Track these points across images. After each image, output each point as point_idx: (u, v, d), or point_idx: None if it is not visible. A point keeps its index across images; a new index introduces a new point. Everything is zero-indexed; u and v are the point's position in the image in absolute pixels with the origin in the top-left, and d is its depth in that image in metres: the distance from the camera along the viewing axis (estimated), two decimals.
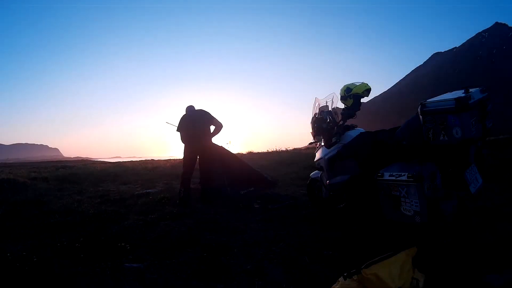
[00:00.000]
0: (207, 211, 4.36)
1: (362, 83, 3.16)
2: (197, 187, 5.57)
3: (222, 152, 5.73)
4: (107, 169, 11.83)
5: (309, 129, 3.76)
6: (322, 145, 3.58)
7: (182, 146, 5.35)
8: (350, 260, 2.33)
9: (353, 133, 3.14)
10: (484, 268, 2.09)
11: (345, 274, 1.83)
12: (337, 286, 1.83)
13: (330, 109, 3.49)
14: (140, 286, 2.25)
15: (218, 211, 4.36)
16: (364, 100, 3.25)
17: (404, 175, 2.12)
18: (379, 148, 2.70)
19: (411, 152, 2.34)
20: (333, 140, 3.29)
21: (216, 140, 5.53)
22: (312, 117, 3.64)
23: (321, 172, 3.70)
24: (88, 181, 8.55)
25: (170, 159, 17.67)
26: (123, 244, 2.99)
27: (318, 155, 3.72)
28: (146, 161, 16.79)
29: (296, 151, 14.14)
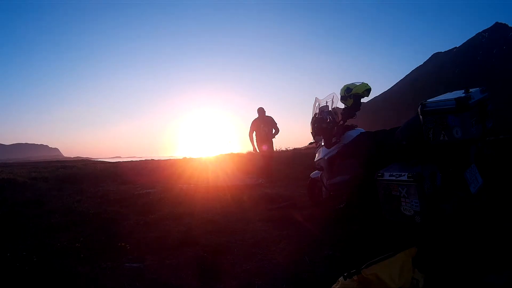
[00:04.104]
0: (207, 211, 4.36)
1: (362, 83, 3.16)
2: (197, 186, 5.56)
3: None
4: (107, 169, 11.84)
5: (309, 129, 3.76)
6: (322, 145, 3.58)
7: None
8: (350, 260, 2.32)
9: (353, 133, 3.14)
10: (484, 268, 2.09)
11: (345, 274, 1.83)
12: (337, 286, 1.83)
13: (330, 109, 3.49)
14: (140, 286, 2.25)
15: (218, 211, 4.36)
16: (364, 100, 3.24)
17: (404, 175, 2.12)
18: (379, 148, 2.70)
19: (411, 152, 2.34)
20: (333, 140, 3.29)
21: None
22: (312, 117, 3.64)
23: (321, 172, 3.70)
24: (88, 181, 8.55)
25: (170, 159, 17.68)
26: (123, 244, 2.99)
27: (318, 155, 3.72)
28: (146, 161, 16.79)
29: (296, 151, 14.14)
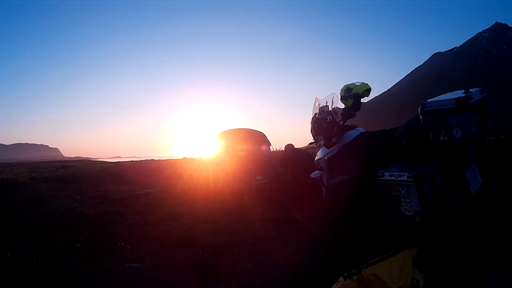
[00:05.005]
0: (207, 211, 4.36)
1: (362, 83, 3.16)
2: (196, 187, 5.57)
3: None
4: (107, 169, 11.84)
5: (309, 129, 3.75)
6: (322, 145, 3.58)
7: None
8: (350, 260, 2.32)
9: (353, 133, 3.13)
10: (484, 268, 2.09)
11: (345, 274, 1.83)
12: (337, 286, 1.83)
13: (330, 109, 3.48)
14: (140, 286, 2.25)
15: (218, 211, 4.36)
16: (364, 100, 3.24)
17: (404, 175, 2.12)
18: (379, 148, 2.70)
19: (411, 152, 2.34)
20: (333, 140, 3.28)
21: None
22: (312, 117, 3.64)
23: (321, 172, 3.70)
24: (88, 181, 8.55)
25: (170, 159, 17.68)
26: (123, 244, 2.99)
27: (318, 155, 3.71)
28: (146, 161, 16.80)
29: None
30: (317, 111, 3.58)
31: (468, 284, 1.95)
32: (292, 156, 5.25)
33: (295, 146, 5.81)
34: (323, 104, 3.59)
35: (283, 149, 5.83)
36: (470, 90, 2.04)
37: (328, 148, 3.35)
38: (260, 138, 6.62)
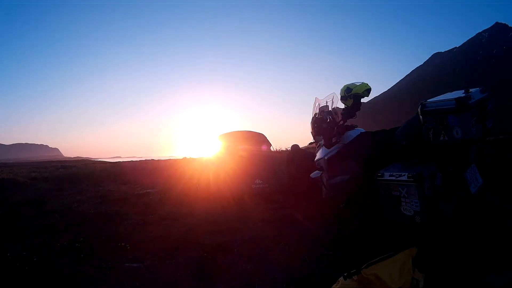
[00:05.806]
0: (207, 211, 4.36)
1: (362, 83, 3.16)
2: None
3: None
4: (107, 169, 11.85)
5: (309, 129, 3.75)
6: (322, 145, 3.58)
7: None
8: (350, 260, 2.32)
9: (353, 133, 3.13)
10: (484, 268, 2.09)
11: (345, 274, 1.83)
12: (337, 286, 1.83)
13: (330, 109, 3.48)
14: (140, 286, 2.25)
15: (218, 211, 4.36)
16: (364, 100, 3.24)
17: (404, 175, 2.12)
18: (379, 148, 2.70)
19: (411, 152, 2.34)
20: (333, 140, 3.28)
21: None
22: (312, 117, 3.64)
23: (321, 172, 3.69)
24: (88, 181, 8.55)
25: (170, 159, 17.68)
26: (123, 244, 2.99)
27: (318, 155, 3.71)
28: (146, 161, 16.81)
29: None
30: (317, 111, 3.58)
31: (468, 284, 1.95)
32: (298, 156, 5.50)
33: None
34: (323, 104, 3.59)
35: (283, 149, 5.88)
36: (470, 90, 2.04)
37: (328, 148, 3.35)
38: (260, 139, 6.62)
